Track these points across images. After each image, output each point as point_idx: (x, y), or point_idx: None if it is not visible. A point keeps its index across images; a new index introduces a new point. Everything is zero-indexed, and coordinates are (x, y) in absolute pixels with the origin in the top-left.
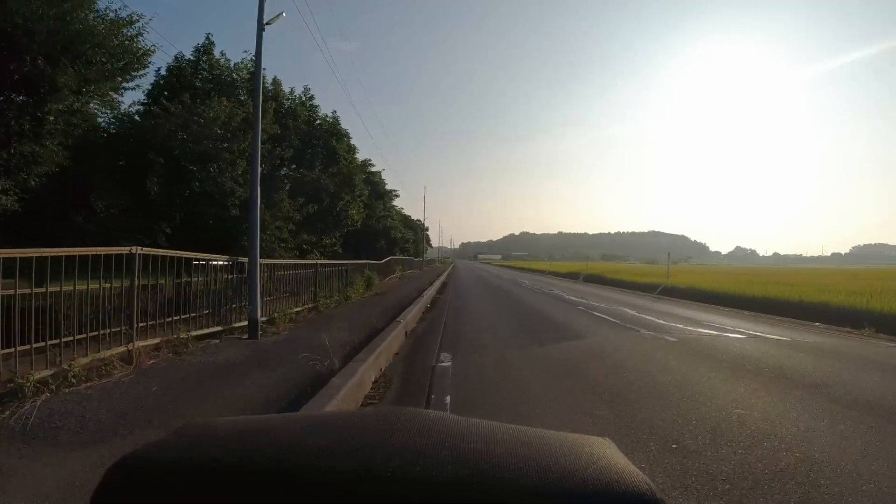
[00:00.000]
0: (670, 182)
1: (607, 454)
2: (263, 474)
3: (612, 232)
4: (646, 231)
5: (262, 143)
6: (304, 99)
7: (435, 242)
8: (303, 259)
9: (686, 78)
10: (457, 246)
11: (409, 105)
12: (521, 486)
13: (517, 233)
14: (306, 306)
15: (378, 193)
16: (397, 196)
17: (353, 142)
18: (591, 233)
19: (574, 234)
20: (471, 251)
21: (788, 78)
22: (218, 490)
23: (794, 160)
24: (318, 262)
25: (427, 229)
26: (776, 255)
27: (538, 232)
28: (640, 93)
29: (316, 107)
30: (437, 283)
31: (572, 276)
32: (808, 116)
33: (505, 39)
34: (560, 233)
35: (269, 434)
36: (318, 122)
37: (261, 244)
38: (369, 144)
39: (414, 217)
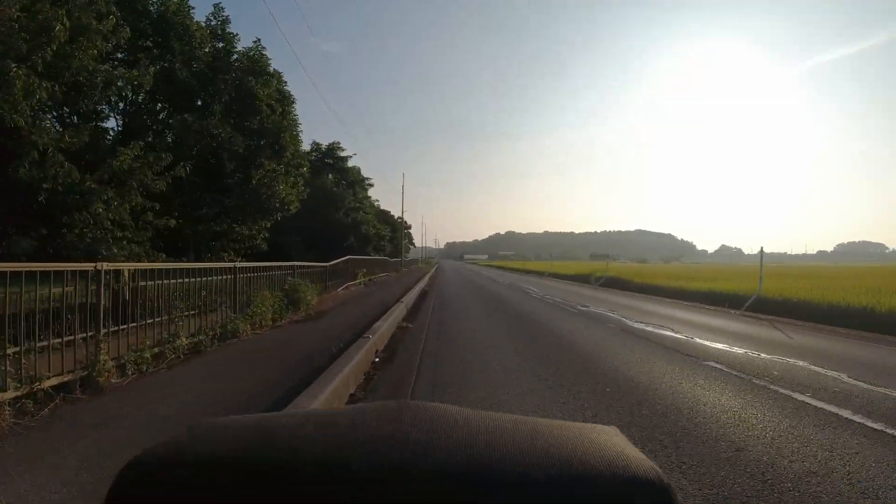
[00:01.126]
0: (656, 181)
1: (614, 442)
2: (276, 471)
3: (599, 231)
4: (632, 230)
5: (88, 56)
6: (212, 22)
7: (419, 242)
8: (165, 262)
9: (672, 77)
10: (442, 246)
11: (393, 104)
12: (529, 475)
13: (503, 232)
14: (40, 385)
15: (348, 181)
16: (371, 185)
17: (287, 87)
18: (577, 232)
19: (560, 233)
20: (456, 251)
21: (772, 76)
22: (232, 487)
23: (778, 159)
24: (99, 265)
25: (409, 227)
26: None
27: (524, 231)
28: (625, 91)
29: (233, 36)
30: (413, 294)
31: (581, 279)
32: (792, 116)
33: (489, 37)
34: (546, 232)
35: (280, 431)
36: (235, 56)
37: (80, 235)
38: (338, 127)
39: (398, 216)
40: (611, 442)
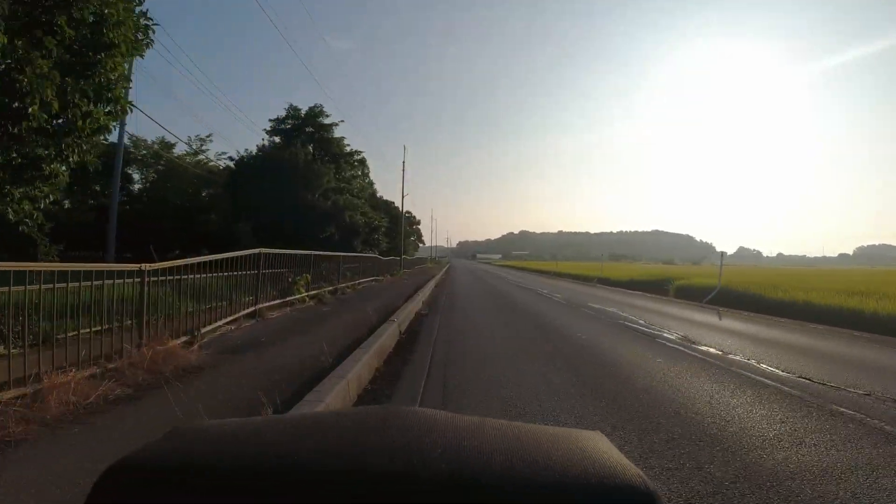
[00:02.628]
0: (672, 181)
1: (600, 447)
2: (257, 476)
3: (615, 231)
4: (649, 230)
5: None
6: None
7: (429, 241)
8: None
9: (687, 76)
10: (454, 245)
11: (404, 103)
12: (514, 481)
13: (516, 231)
14: None
15: (332, 155)
16: (362, 162)
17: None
18: (592, 232)
19: (575, 233)
20: (469, 250)
21: (789, 76)
22: (211, 493)
23: (795, 160)
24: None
25: (418, 223)
26: (780, 255)
27: (538, 231)
28: (638, 92)
29: None
30: (367, 364)
31: (645, 287)
32: (810, 115)
33: (502, 35)
34: (560, 232)
35: (261, 435)
36: None
37: None
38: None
39: (406, 210)
40: (597, 447)
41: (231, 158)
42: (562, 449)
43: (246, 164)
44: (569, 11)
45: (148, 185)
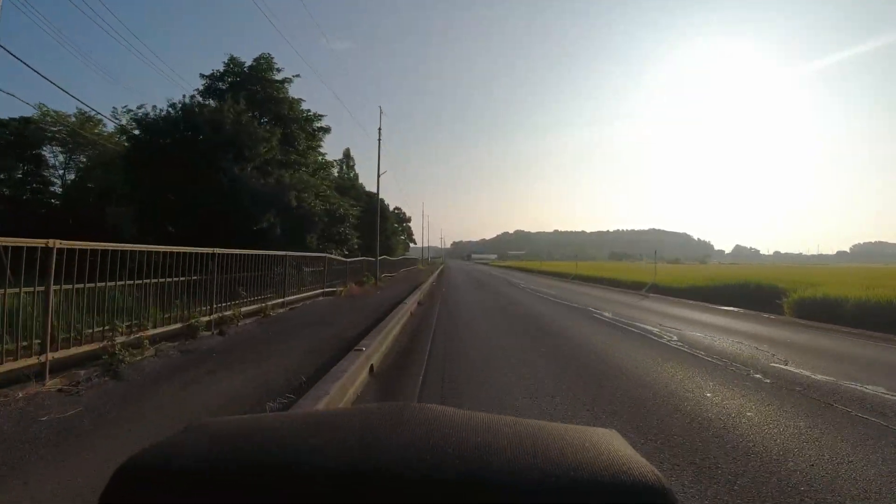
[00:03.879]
0: (669, 180)
1: (614, 445)
2: (270, 473)
3: (612, 230)
4: (646, 229)
5: None
6: None
7: (421, 241)
8: None
9: (686, 75)
10: (448, 245)
11: (398, 103)
12: (528, 478)
13: (511, 231)
14: None
15: (282, 118)
16: (326, 130)
17: None
18: (588, 231)
19: (571, 231)
20: (463, 250)
21: (787, 75)
22: (225, 488)
23: (792, 159)
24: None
25: (409, 220)
26: (777, 253)
27: (533, 230)
28: (635, 91)
29: None
30: None
31: (735, 300)
32: (805, 114)
33: (496, 33)
34: (556, 231)
35: (276, 433)
36: None
37: None
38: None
39: (394, 208)
40: (611, 445)
41: (136, 120)
42: (576, 446)
43: (153, 127)
44: (569, 11)
45: (75, 167)
